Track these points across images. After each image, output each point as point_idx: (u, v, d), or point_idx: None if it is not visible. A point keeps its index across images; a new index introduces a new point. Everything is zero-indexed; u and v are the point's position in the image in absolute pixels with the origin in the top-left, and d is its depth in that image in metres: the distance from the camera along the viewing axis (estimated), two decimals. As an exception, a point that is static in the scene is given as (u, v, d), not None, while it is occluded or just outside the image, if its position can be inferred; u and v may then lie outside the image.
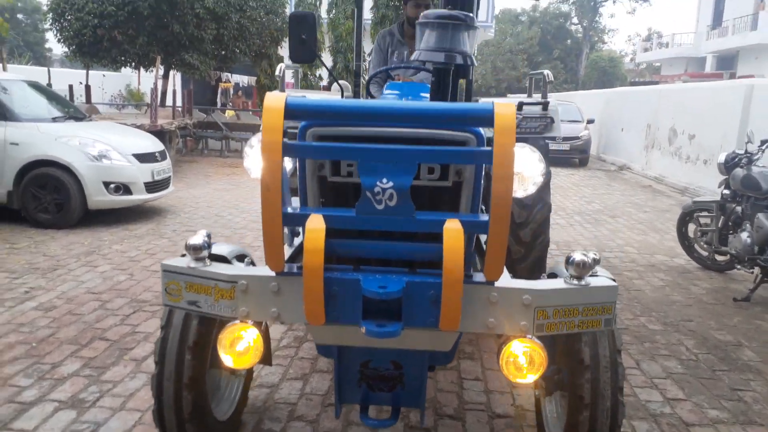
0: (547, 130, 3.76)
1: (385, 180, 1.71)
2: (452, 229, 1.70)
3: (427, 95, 3.07)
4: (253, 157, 2.25)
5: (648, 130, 14.43)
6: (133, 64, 13.66)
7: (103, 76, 21.36)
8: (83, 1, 11.24)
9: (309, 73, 15.66)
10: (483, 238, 2.38)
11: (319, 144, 1.86)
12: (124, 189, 6.89)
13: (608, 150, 17.62)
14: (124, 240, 6.25)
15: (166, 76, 13.89)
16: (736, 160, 5.18)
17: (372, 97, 3.73)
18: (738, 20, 27.35)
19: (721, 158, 5.38)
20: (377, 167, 1.71)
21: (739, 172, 5.07)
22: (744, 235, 4.93)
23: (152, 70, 13.41)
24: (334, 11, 15.37)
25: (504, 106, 1.67)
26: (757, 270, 4.96)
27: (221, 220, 7.54)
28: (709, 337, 4.24)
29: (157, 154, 7.44)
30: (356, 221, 1.78)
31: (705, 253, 5.88)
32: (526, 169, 2.09)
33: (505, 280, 1.91)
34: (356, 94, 4.28)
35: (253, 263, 2.35)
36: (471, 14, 1.96)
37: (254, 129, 15.25)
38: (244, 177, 11.53)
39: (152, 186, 7.24)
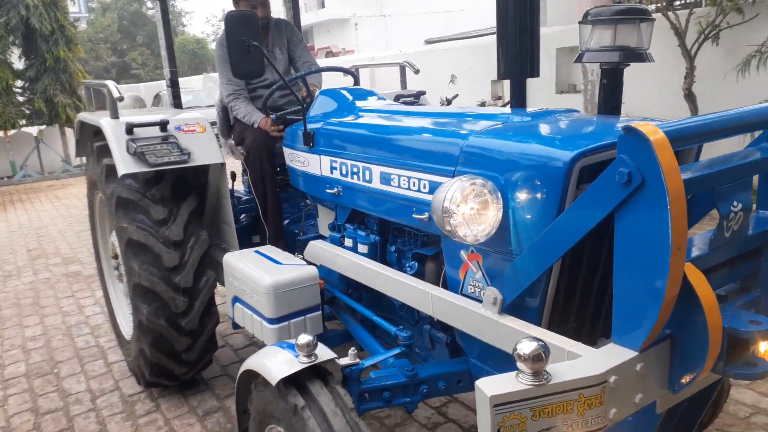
0: None
1: (735, 203, 1.49)
2: None
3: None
4: (463, 214, 1.64)
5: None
6: None
7: None
8: None
9: None
10: None
11: (706, 172, 1.45)
12: None
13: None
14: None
15: None
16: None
17: (266, 107, 3.37)
18: (308, 1, 31.99)
19: None
20: (730, 191, 1.49)
21: None
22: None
23: None
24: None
25: None
26: None
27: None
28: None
29: None
30: (712, 257, 1.53)
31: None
32: None
33: None
34: (177, 106, 3.97)
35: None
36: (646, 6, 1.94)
37: None
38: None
39: None
